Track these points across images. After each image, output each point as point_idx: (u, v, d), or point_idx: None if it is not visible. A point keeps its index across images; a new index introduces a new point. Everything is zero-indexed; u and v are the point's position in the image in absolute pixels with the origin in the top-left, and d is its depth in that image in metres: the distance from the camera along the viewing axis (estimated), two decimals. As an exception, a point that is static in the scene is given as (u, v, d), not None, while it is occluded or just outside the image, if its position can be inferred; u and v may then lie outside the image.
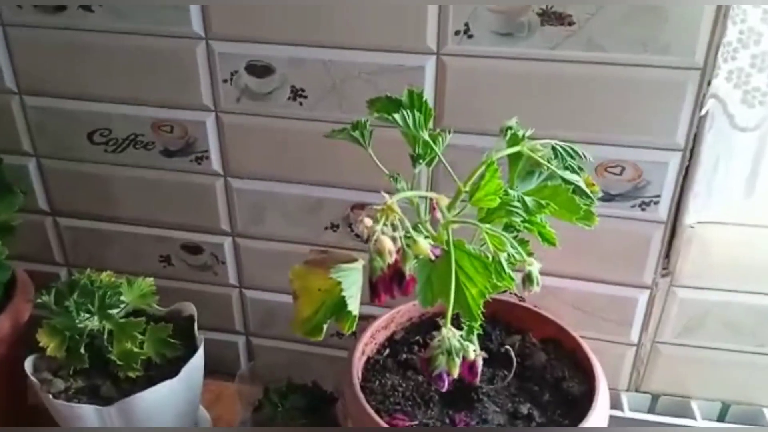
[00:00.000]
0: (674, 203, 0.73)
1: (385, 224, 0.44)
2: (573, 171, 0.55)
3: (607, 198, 0.73)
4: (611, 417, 0.83)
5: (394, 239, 0.44)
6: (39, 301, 0.70)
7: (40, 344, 0.69)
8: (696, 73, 0.65)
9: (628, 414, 0.84)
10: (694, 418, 0.83)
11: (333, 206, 0.83)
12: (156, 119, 0.82)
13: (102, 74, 0.80)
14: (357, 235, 0.84)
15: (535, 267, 0.49)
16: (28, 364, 0.71)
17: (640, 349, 0.83)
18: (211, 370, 0.79)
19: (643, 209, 0.74)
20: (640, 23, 0.64)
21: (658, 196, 0.72)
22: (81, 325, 0.69)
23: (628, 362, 0.84)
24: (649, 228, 0.75)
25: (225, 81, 0.77)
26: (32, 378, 0.70)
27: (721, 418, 0.85)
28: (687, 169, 0.71)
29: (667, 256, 0.76)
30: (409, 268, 0.45)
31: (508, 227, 0.52)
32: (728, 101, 0.62)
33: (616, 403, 0.85)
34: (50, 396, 0.68)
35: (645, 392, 0.86)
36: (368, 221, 0.44)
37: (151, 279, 0.77)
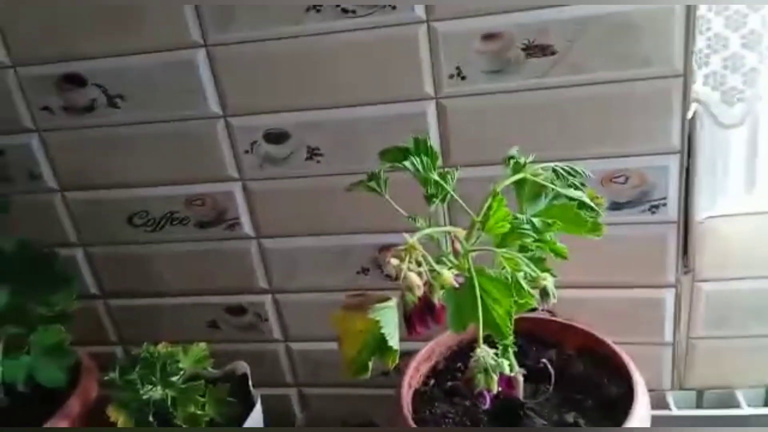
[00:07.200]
0: (682, 202, 0.76)
1: (410, 261, 0.49)
2: (576, 188, 0.59)
3: (616, 207, 0.77)
4: (660, 417, 0.85)
5: (420, 274, 0.49)
6: (106, 378, 0.75)
7: (111, 419, 0.74)
8: (678, 80, 0.69)
9: (675, 412, 0.85)
10: (740, 407, 0.84)
11: (361, 252, 0.87)
12: (188, 195, 0.88)
13: (134, 162, 0.86)
14: (387, 276, 0.88)
15: (549, 281, 0.53)
16: (102, 438, 0.75)
17: (676, 347, 0.85)
18: (270, 423, 0.83)
19: (653, 212, 0.77)
20: (618, 42, 0.69)
21: (665, 197, 0.76)
22: (146, 396, 0.74)
23: (667, 362, 0.86)
24: (662, 229, 0.78)
25: (246, 152, 0.83)
26: (107, 451, 0.74)
27: (768, 403, 0.87)
28: (687, 169, 0.74)
29: (685, 253, 0.79)
30: (438, 298, 0.50)
31: (523, 248, 0.56)
32: (710, 102, 0.67)
33: (662, 403, 0.86)
34: (126, 466, 0.72)
35: (689, 389, 0.88)
36: (395, 261, 0.49)
37: (204, 344, 0.82)
